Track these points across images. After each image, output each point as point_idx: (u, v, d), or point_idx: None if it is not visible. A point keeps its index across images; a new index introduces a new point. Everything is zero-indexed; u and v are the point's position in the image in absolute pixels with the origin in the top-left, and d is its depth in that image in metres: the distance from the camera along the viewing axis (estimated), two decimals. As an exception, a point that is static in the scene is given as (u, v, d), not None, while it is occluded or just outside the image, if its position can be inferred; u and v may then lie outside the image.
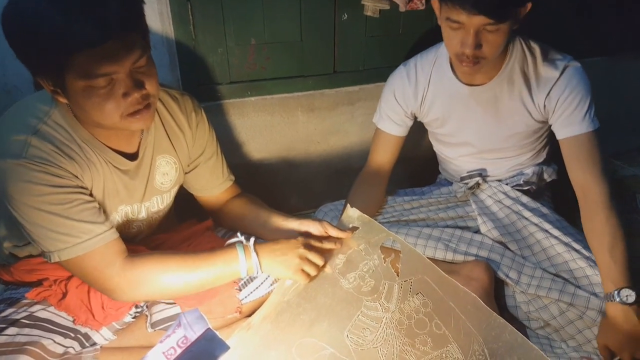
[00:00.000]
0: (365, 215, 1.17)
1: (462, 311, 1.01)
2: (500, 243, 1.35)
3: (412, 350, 0.98)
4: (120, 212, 1.10)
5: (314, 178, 1.79)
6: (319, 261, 1.08)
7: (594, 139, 1.26)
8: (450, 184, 1.55)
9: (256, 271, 1.04)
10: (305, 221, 1.15)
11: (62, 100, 0.91)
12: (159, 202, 1.17)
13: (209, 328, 0.81)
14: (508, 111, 1.35)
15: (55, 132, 0.96)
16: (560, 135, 1.30)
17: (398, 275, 1.08)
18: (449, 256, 1.31)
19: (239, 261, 1.03)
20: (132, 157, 1.08)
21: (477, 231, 1.39)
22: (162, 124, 1.12)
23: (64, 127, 0.97)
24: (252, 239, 1.07)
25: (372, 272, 1.09)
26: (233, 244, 1.06)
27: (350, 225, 1.17)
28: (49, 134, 0.95)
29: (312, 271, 1.06)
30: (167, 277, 1.00)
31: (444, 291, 1.04)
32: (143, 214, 1.15)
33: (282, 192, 1.75)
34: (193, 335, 0.80)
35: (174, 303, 1.11)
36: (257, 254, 1.04)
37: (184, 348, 0.79)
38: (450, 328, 1.00)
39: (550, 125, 1.34)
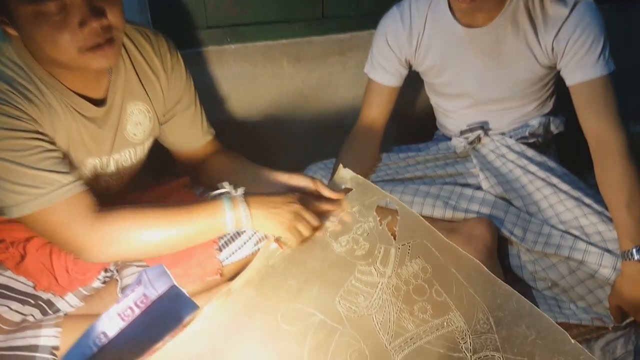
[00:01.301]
0: (359, 176, 1.06)
1: (465, 277, 0.92)
2: (504, 200, 1.25)
3: (410, 318, 0.89)
4: (88, 166, 0.98)
5: (302, 137, 1.67)
6: (314, 221, 0.97)
7: (609, 83, 1.14)
8: (449, 139, 1.44)
9: (245, 223, 0.92)
10: (296, 176, 1.04)
11: (12, 32, 0.81)
12: (130, 156, 1.06)
13: (174, 285, 0.70)
14: (511, 56, 1.23)
15: (9, 70, 0.84)
16: (571, 80, 1.18)
17: (395, 239, 0.98)
18: (449, 214, 1.21)
19: (225, 213, 0.91)
20: (99, 103, 0.96)
21: (479, 188, 1.29)
22: (133, 66, 1.00)
23: (19, 65, 0.85)
24: (242, 189, 0.96)
25: (367, 235, 0.99)
26: (218, 196, 0.95)
27: (343, 187, 1.06)
28: (1, 72, 0.84)
29: (306, 231, 0.96)
30: (143, 232, 0.89)
31: (444, 256, 0.95)
32: (112, 168, 1.04)
33: (267, 152, 1.63)
34: (154, 293, 0.69)
35: (147, 266, 1.01)
36: (247, 204, 0.93)
37: (143, 308, 0.68)
38: (451, 295, 0.91)
39: (559, 71, 1.22)
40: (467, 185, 1.31)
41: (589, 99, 1.15)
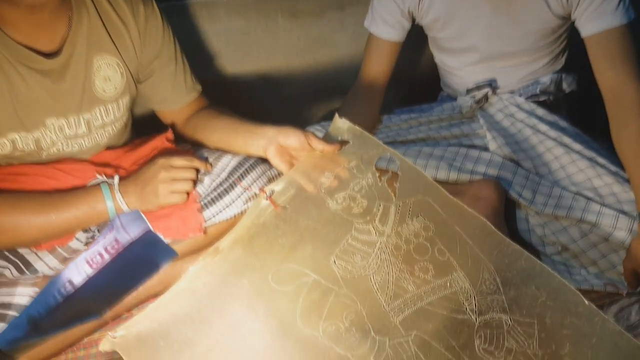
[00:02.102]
0: (357, 127, 0.99)
1: (470, 236, 0.85)
2: (512, 161, 1.17)
3: (411, 278, 0.83)
4: (50, 127, 0.91)
5: (297, 98, 1.59)
6: (188, 175, 0.95)
7: (628, 33, 1.06)
8: (454, 99, 1.36)
9: (126, 210, 0.91)
10: (286, 129, 0.96)
11: None
12: (102, 114, 0.99)
13: (150, 230, 0.63)
14: (522, 5, 1.14)
15: None
16: (586, 31, 1.09)
17: (395, 196, 0.91)
18: (453, 176, 1.14)
19: (105, 202, 0.89)
20: (54, 55, 0.89)
21: (485, 149, 1.22)
22: (99, 15, 0.92)
23: None
24: (117, 177, 0.94)
25: (365, 192, 0.92)
26: (97, 185, 0.92)
27: (340, 139, 0.99)
28: None
29: (185, 186, 0.95)
30: (18, 221, 0.85)
31: (448, 214, 0.88)
32: (83, 129, 0.97)
33: (260, 114, 1.53)
34: (126, 238, 0.63)
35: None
36: (121, 193, 0.91)
37: (114, 254, 0.62)
38: (455, 254, 0.84)
39: (573, 22, 1.14)
40: (473, 146, 1.24)
41: (606, 51, 1.07)
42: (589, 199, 1.07)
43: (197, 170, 0.99)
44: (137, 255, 0.61)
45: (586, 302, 0.76)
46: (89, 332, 0.98)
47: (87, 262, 0.61)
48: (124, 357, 0.76)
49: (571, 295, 0.77)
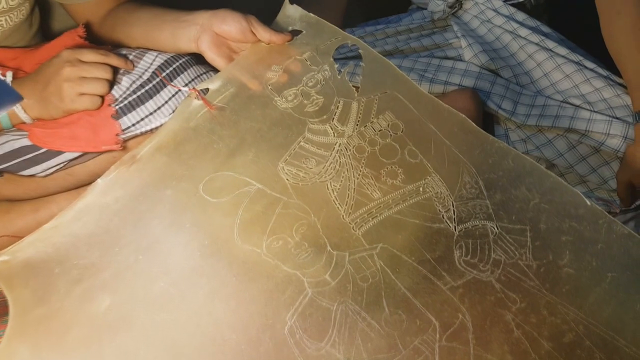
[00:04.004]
0: (312, 15, 0.81)
1: (447, 135, 0.70)
2: (490, 71, 1.03)
3: (376, 184, 0.67)
4: None
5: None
6: (101, 73, 0.76)
7: None
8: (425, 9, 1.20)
9: (23, 117, 0.77)
10: (222, 13, 0.77)
11: None
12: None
13: None
14: None
15: None
16: None
17: (358, 91, 0.75)
18: (425, 87, 0.99)
19: None
20: None
21: (460, 60, 1.06)
22: None
23: None
24: (10, 74, 0.77)
25: (321, 87, 0.75)
26: None
27: (290, 29, 0.81)
28: None
29: (98, 87, 0.75)
30: None
31: (421, 110, 0.72)
32: None
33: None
34: None
35: (26, 133, 0.76)
36: None
37: None
38: (429, 156, 0.69)
39: None
40: (447, 58, 1.08)
41: None
42: (576, 107, 0.93)
43: (114, 70, 0.80)
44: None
45: (588, 202, 0.62)
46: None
47: None
48: (2, 287, 0.58)
49: (569, 196, 0.63)
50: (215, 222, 0.64)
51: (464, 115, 0.70)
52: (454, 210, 0.65)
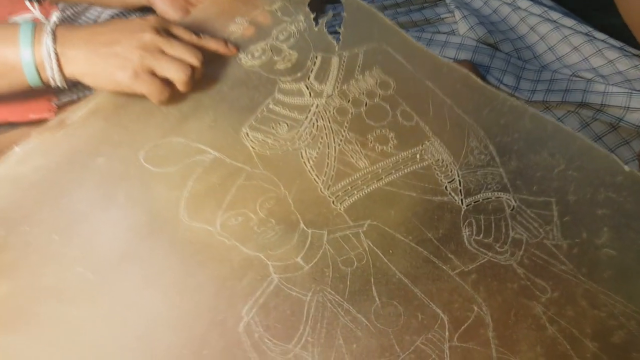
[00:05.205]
0: None
1: (448, 93, 0.58)
2: (488, 45, 0.92)
3: (362, 151, 0.54)
4: None
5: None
6: (189, 56, 0.55)
7: None
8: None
9: (54, 70, 0.52)
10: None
11: None
12: None
13: None
14: None
15: None
16: None
17: (338, 44, 0.62)
18: (416, 61, 0.87)
19: (19, 51, 0.51)
20: None
21: (455, 35, 0.95)
22: None
23: None
24: (55, 15, 0.56)
25: (295, 40, 0.63)
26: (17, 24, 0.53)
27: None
28: None
29: (177, 74, 0.54)
30: None
31: (415, 65, 0.60)
32: None
33: None
34: None
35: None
36: (55, 38, 0.52)
37: None
38: (427, 118, 0.57)
39: None
40: (439, 33, 0.97)
41: None
42: (589, 80, 0.82)
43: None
44: None
45: (626, 167, 0.50)
46: None
47: None
48: None
49: (603, 161, 0.51)
50: (157, 196, 0.50)
51: (467, 70, 0.58)
52: (459, 181, 0.52)
